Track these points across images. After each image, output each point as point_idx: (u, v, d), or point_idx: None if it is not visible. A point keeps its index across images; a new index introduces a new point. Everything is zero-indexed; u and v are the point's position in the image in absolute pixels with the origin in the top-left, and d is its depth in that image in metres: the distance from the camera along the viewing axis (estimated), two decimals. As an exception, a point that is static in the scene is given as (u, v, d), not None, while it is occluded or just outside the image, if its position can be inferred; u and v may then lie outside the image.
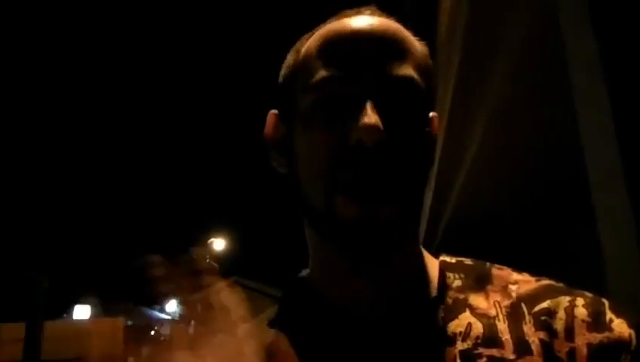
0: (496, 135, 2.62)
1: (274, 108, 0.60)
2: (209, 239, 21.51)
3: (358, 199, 0.46)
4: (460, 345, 0.45)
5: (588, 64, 1.11)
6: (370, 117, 0.45)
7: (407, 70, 0.49)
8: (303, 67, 0.52)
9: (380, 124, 0.45)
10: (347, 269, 0.51)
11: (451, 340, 0.46)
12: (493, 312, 0.48)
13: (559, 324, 0.44)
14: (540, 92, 1.93)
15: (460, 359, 0.44)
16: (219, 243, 21.50)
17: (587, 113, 1.13)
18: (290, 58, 0.57)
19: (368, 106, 0.46)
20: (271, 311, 0.62)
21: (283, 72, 0.57)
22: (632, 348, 0.42)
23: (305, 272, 0.62)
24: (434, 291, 0.51)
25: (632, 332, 0.42)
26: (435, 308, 0.49)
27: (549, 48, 1.43)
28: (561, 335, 0.44)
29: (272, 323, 0.58)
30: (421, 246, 0.56)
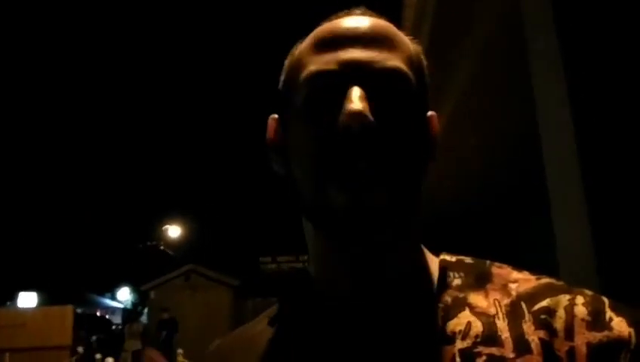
0: (457, 128, 2.69)
1: (274, 113, 0.60)
2: (164, 226, 21.06)
3: (346, 186, 0.45)
4: (460, 344, 0.45)
5: (549, 62, 1.15)
6: (356, 103, 0.45)
7: (395, 62, 0.49)
8: (297, 67, 0.53)
9: (366, 109, 0.45)
10: (343, 264, 0.51)
11: (450, 339, 0.46)
12: (492, 311, 0.48)
13: (559, 323, 0.44)
14: (501, 88, 1.99)
15: (460, 357, 0.44)
16: (174, 231, 21.09)
17: (546, 109, 1.17)
18: (286, 62, 0.57)
19: (354, 93, 0.46)
20: (271, 310, 0.60)
21: (281, 77, 0.56)
22: (632, 346, 0.41)
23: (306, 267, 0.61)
24: (433, 290, 0.51)
25: (632, 330, 0.42)
26: (435, 307, 0.49)
27: (512, 47, 1.47)
28: (561, 334, 0.43)
29: (272, 322, 0.57)
30: (422, 245, 0.55)
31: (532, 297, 0.47)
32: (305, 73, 0.50)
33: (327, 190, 0.46)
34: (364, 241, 0.47)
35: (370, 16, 0.52)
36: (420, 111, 0.51)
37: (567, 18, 1.09)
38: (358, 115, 0.44)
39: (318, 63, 0.49)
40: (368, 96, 0.46)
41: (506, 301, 0.48)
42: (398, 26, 0.55)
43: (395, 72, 0.48)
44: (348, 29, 0.50)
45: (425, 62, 0.55)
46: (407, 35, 0.54)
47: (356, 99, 0.45)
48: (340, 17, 0.53)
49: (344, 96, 0.46)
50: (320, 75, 0.49)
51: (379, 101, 0.47)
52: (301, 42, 0.56)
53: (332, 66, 0.48)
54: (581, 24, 1.07)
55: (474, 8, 1.83)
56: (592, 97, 1.04)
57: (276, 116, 0.58)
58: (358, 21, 0.51)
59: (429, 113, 0.55)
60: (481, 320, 0.47)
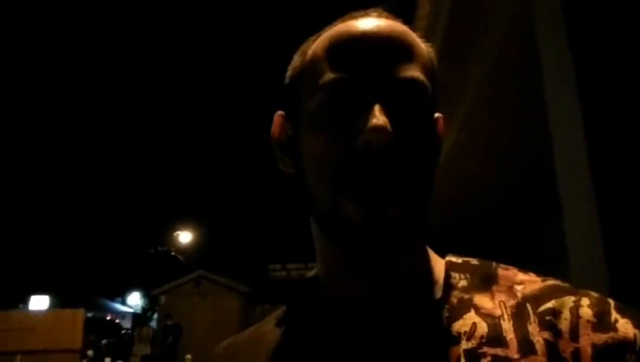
0: (468, 137, 2.68)
1: (280, 110, 0.59)
2: (175, 232, 21.12)
3: (363, 201, 0.46)
4: (465, 344, 0.45)
5: (561, 68, 1.15)
6: (379, 119, 0.45)
7: (414, 72, 0.48)
8: (310, 69, 0.52)
9: (388, 125, 0.45)
10: (351, 268, 0.52)
11: (456, 339, 0.46)
12: (498, 312, 0.48)
13: (564, 324, 0.44)
14: (513, 97, 1.99)
15: (465, 358, 0.44)
16: (185, 236, 21.12)
17: (558, 115, 1.17)
18: (296, 60, 0.55)
19: (376, 108, 0.46)
20: (280, 311, 0.61)
21: (289, 73, 0.56)
22: (637, 348, 0.41)
23: (313, 271, 0.61)
24: (439, 291, 0.51)
25: (638, 332, 0.42)
26: (440, 308, 0.49)
27: (523, 56, 1.47)
28: (566, 335, 0.44)
29: (279, 323, 0.58)
30: (427, 247, 0.56)
31: (537, 298, 0.48)
32: (323, 80, 0.49)
33: (342, 203, 0.47)
34: (381, 256, 0.47)
35: (387, 18, 0.51)
36: (432, 118, 0.52)
37: (579, 25, 1.09)
38: (380, 131, 0.45)
39: (336, 71, 0.49)
40: (387, 107, 0.46)
41: (511, 302, 0.48)
42: (412, 28, 0.53)
43: (413, 82, 0.48)
44: (365, 34, 0.49)
45: (436, 63, 0.54)
46: (420, 37, 0.53)
47: (379, 114, 0.45)
48: (355, 18, 0.52)
49: (363, 106, 0.46)
50: (339, 83, 0.48)
51: (397, 112, 0.47)
52: (313, 40, 0.54)
53: (351, 75, 0.48)
54: (592, 31, 1.07)
55: (486, 19, 1.83)
56: (604, 104, 1.04)
57: (282, 113, 0.57)
58: (375, 25, 0.50)
59: (436, 115, 0.55)
60: (486, 321, 0.47)
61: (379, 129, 0.45)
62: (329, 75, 0.49)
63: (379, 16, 0.52)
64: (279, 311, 0.61)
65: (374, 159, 0.45)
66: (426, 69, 0.50)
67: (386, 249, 0.47)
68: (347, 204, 0.46)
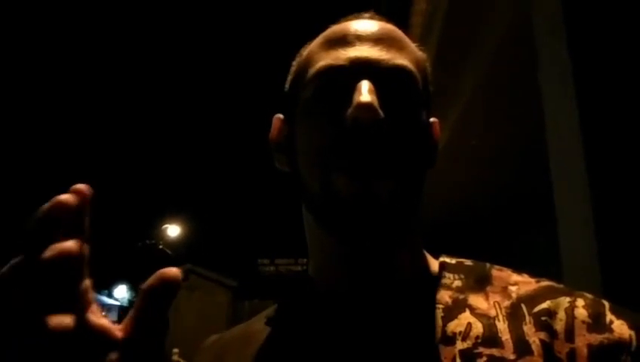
0: (463, 137, 2.69)
1: (279, 114, 0.61)
2: (163, 225, 21.03)
3: (353, 175, 0.46)
4: (460, 345, 0.45)
5: (558, 72, 1.15)
6: (365, 95, 0.46)
7: (403, 60, 0.50)
8: (305, 65, 0.54)
9: (375, 102, 0.46)
10: (345, 265, 0.51)
11: (451, 340, 0.46)
12: (493, 313, 0.48)
13: (559, 325, 0.44)
14: (509, 97, 2.00)
15: (460, 358, 0.44)
16: (173, 230, 21.04)
17: (555, 119, 1.17)
18: (294, 63, 0.58)
19: (364, 86, 0.47)
20: (270, 310, 0.60)
21: (289, 77, 0.58)
22: (633, 349, 0.41)
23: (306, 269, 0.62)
24: (434, 291, 0.51)
25: (633, 333, 0.42)
26: (435, 308, 0.49)
27: (521, 56, 1.47)
28: (561, 335, 0.44)
29: (269, 322, 0.57)
30: (422, 248, 0.56)
31: (532, 299, 0.48)
32: (314, 68, 0.51)
33: (334, 180, 0.47)
34: (370, 234, 0.47)
35: (379, 20, 0.54)
36: (424, 112, 0.52)
37: (578, 29, 1.09)
38: (367, 106, 0.45)
39: (328, 59, 0.50)
40: (377, 92, 0.47)
41: (506, 303, 0.48)
42: (406, 33, 0.56)
43: (402, 69, 0.50)
44: (357, 30, 0.52)
45: (429, 70, 0.56)
46: (413, 43, 0.55)
47: (365, 91, 0.46)
48: (349, 20, 0.54)
49: (353, 91, 0.47)
50: (329, 69, 0.50)
51: (387, 97, 0.48)
52: (309, 44, 0.57)
53: (342, 62, 0.50)
54: (592, 35, 1.07)
55: (483, 17, 1.83)
56: (601, 108, 1.04)
57: (281, 116, 0.59)
58: (367, 23, 0.53)
59: (432, 119, 0.56)
60: (481, 322, 0.47)
61: (365, 105, 0.45)
62: (320, 63, 0.51)
63: (371, 17, 0.55)
64: (269, 310, 0.60)
65: (364, 135, 0.46)
66: (417, 65, 0.52)
67: (378, 227, 0.47)
68: (338, 180, 0.47)
